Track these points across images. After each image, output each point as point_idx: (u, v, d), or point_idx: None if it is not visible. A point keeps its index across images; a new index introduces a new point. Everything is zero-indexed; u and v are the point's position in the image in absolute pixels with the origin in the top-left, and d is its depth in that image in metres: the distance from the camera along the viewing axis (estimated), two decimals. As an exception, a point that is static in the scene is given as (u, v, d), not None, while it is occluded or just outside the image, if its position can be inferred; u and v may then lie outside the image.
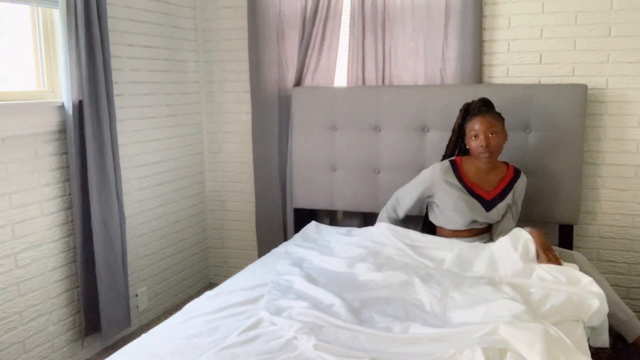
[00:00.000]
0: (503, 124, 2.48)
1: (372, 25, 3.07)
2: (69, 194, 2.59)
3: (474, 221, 2.53)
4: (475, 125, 2.43)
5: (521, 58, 2.92)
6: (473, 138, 2.45)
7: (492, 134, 2.41)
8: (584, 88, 2.70)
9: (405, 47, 3.05)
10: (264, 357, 1.65)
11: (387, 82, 3.11)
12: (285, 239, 3.33)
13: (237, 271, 2.60)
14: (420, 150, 2.95)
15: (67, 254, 2.61)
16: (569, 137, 2.74)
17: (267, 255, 2.81)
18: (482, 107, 2.48)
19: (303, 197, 3.22)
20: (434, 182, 2.55)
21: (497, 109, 2.52)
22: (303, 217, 3.31)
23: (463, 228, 2.55)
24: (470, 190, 2.52)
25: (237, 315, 1.95)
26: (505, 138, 2.49)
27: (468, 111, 2.54)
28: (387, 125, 3.01)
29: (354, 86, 3.13)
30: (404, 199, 2.70)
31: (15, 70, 2.54)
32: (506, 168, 2.58)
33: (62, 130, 2.53)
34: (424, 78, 3.05)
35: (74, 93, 2.48)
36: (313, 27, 3.15)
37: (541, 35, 2.87)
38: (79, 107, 2.50)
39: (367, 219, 3.25)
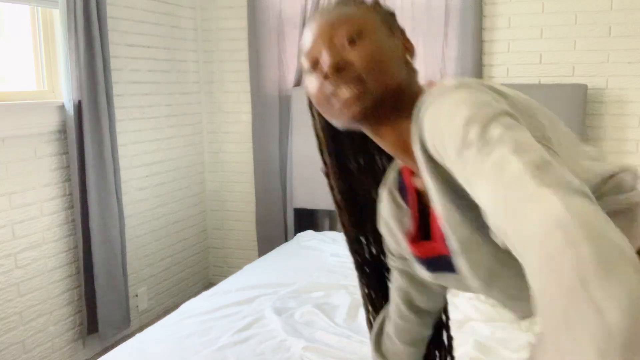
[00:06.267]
0: (371, 15, 0.92)
1: (371, 25, 3.06)
2: (69, 194, 2.59)
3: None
4: (305, 44, 0.91)
5: (521, 58, 2.90)
6: (309, 76, 0.93)
7: (348, 41, 0.85)
8: (584, 88, 2.69)
9: (405, 47, 3.04)
10: (256, 359, 1.65)
11: (386, 82, 3.10)
12: (286, 239, 3.33)
13: (237, 271, 2.60)
14: (419, 151, 2.94)
15: (67, 254, 2.62)
16: (568, 138, 2.73)
17: (266, 255, 2.82)
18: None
19: (303, 197, 3.22)
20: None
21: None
22: (303, 217, 3.31)
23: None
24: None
25: (231, 316, 1.96)
26: (386, 43, 0.89)
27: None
28: (387, 126, 3.00)
29: (354, 86, 3.12)
30: None
31: (15, 70, 2.55)
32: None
33: (62, 131, 2.54)
34: (424, 78, 3.03)
35: (74, 93, 2.48)
36: (313, 27, 3.15)
37: (541, 35, 2.86)
38: (78, 107, 2.51)
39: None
